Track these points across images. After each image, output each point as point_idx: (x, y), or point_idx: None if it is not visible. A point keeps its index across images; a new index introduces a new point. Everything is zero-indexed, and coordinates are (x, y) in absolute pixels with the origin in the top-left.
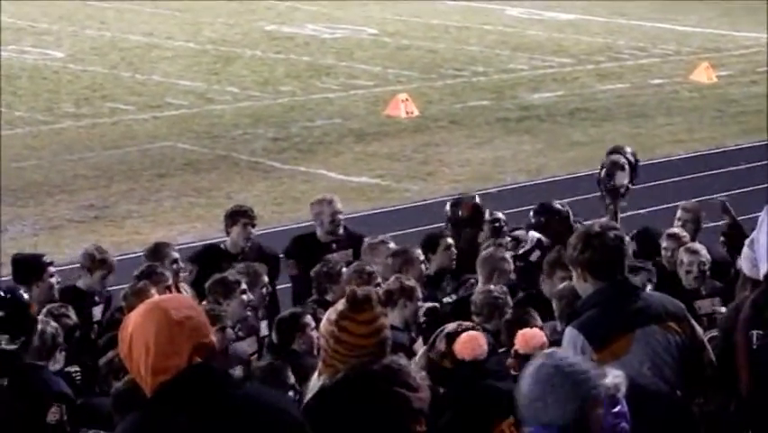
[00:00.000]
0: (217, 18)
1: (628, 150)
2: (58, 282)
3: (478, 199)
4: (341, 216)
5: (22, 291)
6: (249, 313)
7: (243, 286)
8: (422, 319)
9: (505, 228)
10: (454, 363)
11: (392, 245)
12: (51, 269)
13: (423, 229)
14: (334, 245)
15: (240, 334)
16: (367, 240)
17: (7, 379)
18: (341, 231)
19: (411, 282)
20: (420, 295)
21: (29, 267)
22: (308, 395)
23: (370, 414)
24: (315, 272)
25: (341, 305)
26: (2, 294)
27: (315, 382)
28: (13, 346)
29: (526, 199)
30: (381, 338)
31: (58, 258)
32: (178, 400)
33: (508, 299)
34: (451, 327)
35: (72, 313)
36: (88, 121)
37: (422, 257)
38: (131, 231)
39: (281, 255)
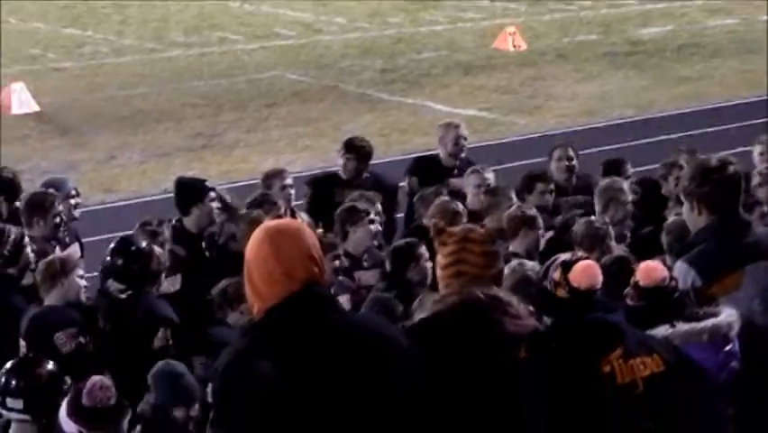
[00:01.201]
0: None
1: None
2: (218, 208)
3: None
4: (464, 142)
5: (143, 242)
6: (375, 243)
7: (372, 216)
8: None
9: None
10: (570, 291)
11: (488, 175)
12: (213, 194)
13: (529, 163)
14: (456, 171)
15: (365, 264)
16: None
17: (111, 325)
18: (462, 155)
19: (532, 212)
20: (541, 224)
21: (190, 190)
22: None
23: (469, 342)
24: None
25: None
26: (123, 244)
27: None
28: (125, 295)
29: (634, 134)
30: (457, 271)
31: (166, 186)
32: (283, 326)
33: (610, 230)
34: (565, 256)
35: (166, 230)
36: (197, 50)
37: (513, 200)
38: (238, 160)
39: (406, 177)
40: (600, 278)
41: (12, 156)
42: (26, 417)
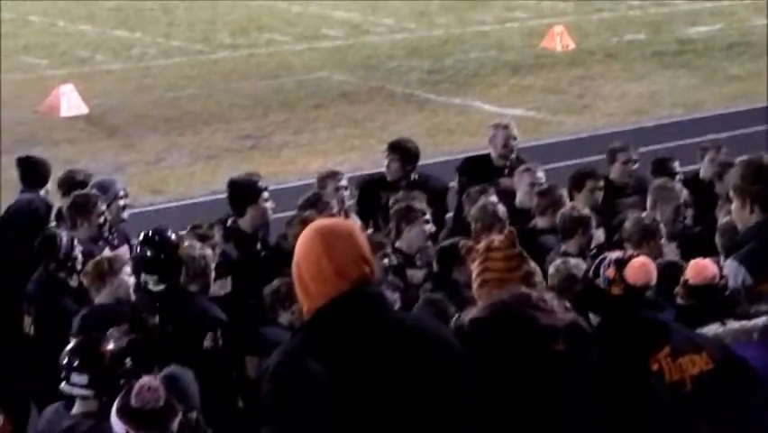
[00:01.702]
0: None
1: None
2: (272, 208)
3: None
4: (514, 142)
5: (170, 232)
6: (429, 244)
7: (427, 216)
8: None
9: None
10: (625, 288)
11: (540, 174)
12: (266, 194)
13: (578, 163)
14: (507, 171)
15: (418, 263)
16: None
17: (158, 317)
18: (513, 156)
19: (586, 212)
20: (594, 224)
21: (245, 191)
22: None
23: (503, 339)
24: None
25: None
26: (150, 235)
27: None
28: (160, 287)
29: (682, 134)
30: (483, 280)
31: (214, 187)
32: (334, 325)
33: (661, 227)
34: (616, 254)
35: (217, 234)
36: (244, 51)
37: (566, 200)
38: (286, 161)
39: (456, 176)
40: (655, 274)
41: (61, 158)
42: (89, 392)
